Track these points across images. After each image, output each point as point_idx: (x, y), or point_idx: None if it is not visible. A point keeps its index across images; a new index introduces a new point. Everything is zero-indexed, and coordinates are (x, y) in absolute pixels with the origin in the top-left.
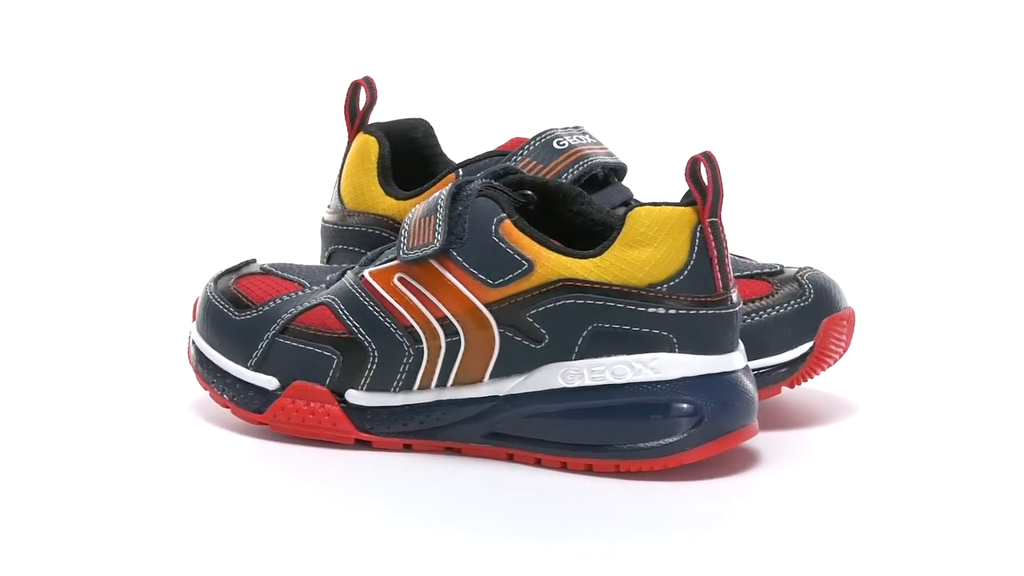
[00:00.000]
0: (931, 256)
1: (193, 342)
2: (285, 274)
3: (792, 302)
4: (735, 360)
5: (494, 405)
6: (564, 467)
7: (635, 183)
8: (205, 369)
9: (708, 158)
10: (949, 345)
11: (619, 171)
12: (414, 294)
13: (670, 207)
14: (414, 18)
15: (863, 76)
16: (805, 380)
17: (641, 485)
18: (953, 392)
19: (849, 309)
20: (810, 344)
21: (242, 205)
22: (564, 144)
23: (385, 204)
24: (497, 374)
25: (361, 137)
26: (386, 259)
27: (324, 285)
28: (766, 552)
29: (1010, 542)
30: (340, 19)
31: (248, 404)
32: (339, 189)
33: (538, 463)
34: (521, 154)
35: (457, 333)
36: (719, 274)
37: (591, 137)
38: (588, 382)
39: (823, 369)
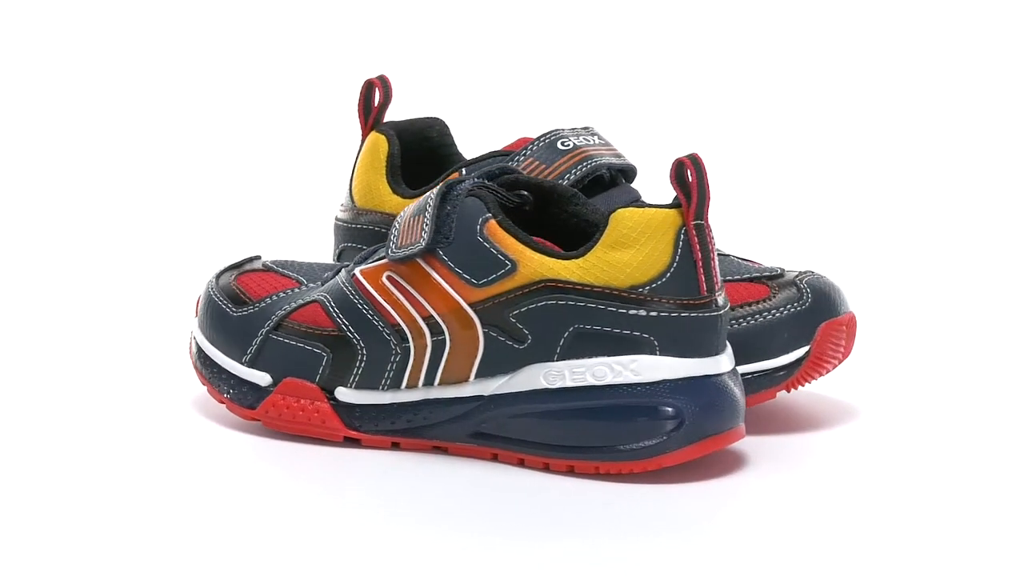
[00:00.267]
0: (944, 262)
1: (194, 338)
2: (285, 271)
3: (789, 306)
4: (720, 363)
5: (479, 405)
6: (546, 468)
7: (650, 185)
8: (204, 365)
9: (694, 160)
10: (956, 352)
11: (628, 173)
12: (401, 293)
13: (654, 209)
14: (435, 17)
15: (879, 83)
16: (801, 385)
17: (626, 487)
18: (955, 400)
19: (849, 314)
20: (806, 349)
21: (261, 203)
22: (568, 145)
23: (393, 202)
24: (482, 374)
25: (372, 136)
26: (377, 257)
27: (320, 283)
28: (751, 555)
29: (1006, 549)
30: (363, 18)
31: (242, 400)
32: (351, 187)
33: (521, 463)
34: (524, 154)
35: (442, 332)
36: (703, 277)
37: (600, 138)
38: (569, 383)
39: (821, 374)
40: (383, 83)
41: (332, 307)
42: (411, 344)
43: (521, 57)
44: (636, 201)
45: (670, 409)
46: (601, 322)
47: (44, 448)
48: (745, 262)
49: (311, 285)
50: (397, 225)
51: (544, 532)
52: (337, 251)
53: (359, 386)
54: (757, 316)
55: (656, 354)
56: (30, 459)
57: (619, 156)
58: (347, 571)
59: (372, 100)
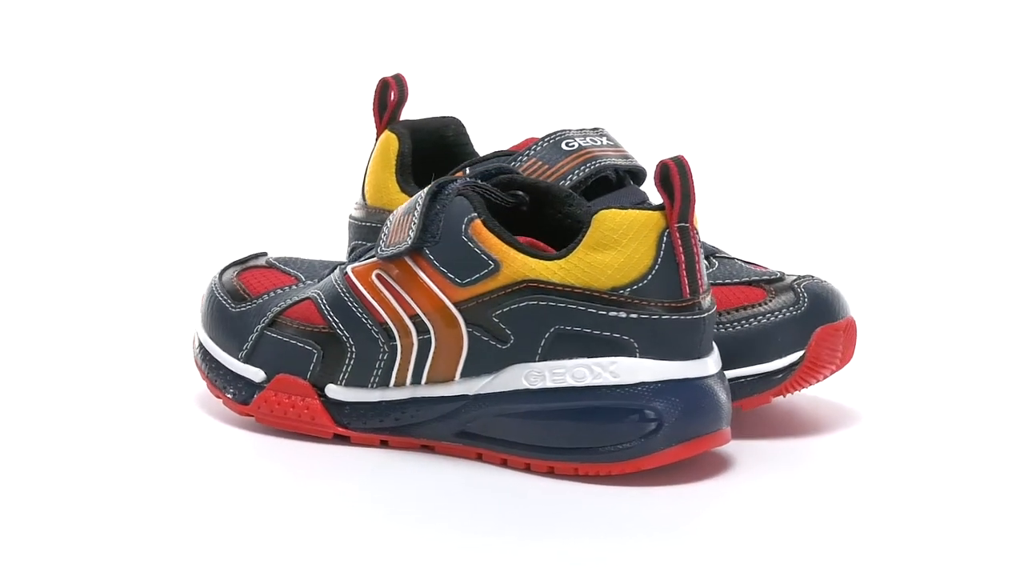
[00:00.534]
0: (956, 269)
1: (197, 334)
2: (286, 268)
3: (785, 310)
4: (703, 366)
5: (464, 404)
6: (528, 468)
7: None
8: (203, 360)
9: (678, 162)
10: (961, 361)
11: (636, 174)
12: (389, 291)
13: (636, 211)
14: (459, 16)
15: (895, 89)
16: (796, 390)
17: (607, 489)
18: (954, 409)
19: (847, 320)
20: (801, 353)
21: (279, 202)
22: (573, 145)
23: (402, 201)
24: (467, 373)
25: (384, 134)
26: (369, 256)
27: (318, 280)
28: (729, 558)
29: (1002, 556)
30: (386, 16)
31: (236, 395)
32: (363, 186)
33: (504, 463)
34: (528, 154)
35: (428, 331)
36: (686, 279)
37: (609, 139)
38: (550, 384)
39: (817, 379)
40: (398, 82)
41: (324, 304)
42: (398, 342)
43: (543, 58)
44: (643, 202)
45: (648, 412)
46: (581, 323)
47: (42, 437)
48: (749, 266)
49: (309, 282)
50: (388, 223)
51: (522, 532)
52: (349, 248)
53: (349, 384)
54: (751, 320)
55: (636, 356)
56: (29, 446)
57: (627, 157)
58: (325, 568)
59: (387, 98)
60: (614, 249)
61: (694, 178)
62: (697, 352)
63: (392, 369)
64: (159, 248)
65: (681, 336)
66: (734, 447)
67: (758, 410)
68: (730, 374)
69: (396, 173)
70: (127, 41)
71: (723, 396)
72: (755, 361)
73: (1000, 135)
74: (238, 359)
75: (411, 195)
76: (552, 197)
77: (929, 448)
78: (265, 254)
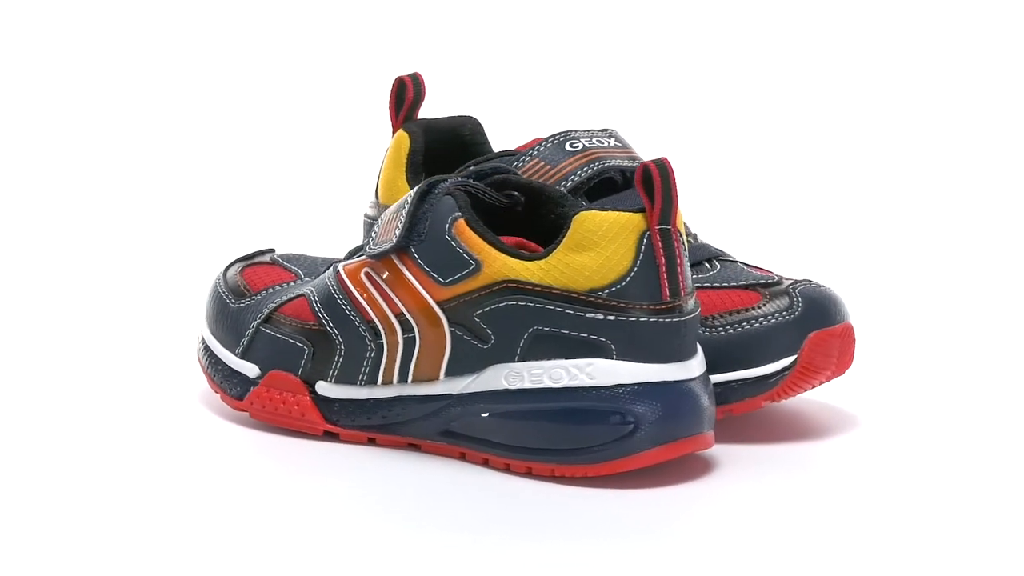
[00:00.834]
0: (969, 277)
1: (202, 330)
2: (288, 265)
3: (779, 314)
4: (682, 369)
5: (448, 403)
6: (508, 469)
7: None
8: (205, 355)
9: (659, 165)
10: (965, 372)
11: None
12: (376, 289)
13: (617, 212)
14: (482, 15)
15: (909, 95)
16: (789, 395)
17: (585, 490)
18: (953, 419)
19: (843, 325)
20: (793, 358)
21: (297, 200)
22: (578, 146)
23: None
24: (451, 372)
25: (397, 133)
26: (360, 254)
27: (315, 277)
28: (710, 561)
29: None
30: (412, 15)
31: (231, 390)
32: (377, 185)
33: (486, 463)
34: (531, 154)
35: (413, 330)
36: (666, 282)
37: (617, 140)
38: (528, 385)
39: (811, 385)
40: (414, 81)
41: (315, 301)
42: (384, 340)
43: (565, 58)
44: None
45: (624, 414)
46: (559, 324)
47: (42, 430)
48: (752, 269)
49: (307, 279)
50: (378, 222)
51: (501, 533)
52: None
53: (338, 381)
54: (744, 323)
55: (613, 358)
56: (28, 437)
57: (635, 159)
58: (305, 565)
59: (404, 97)
60: (592, 250)
61: (677, 181)
62: (678, 355)
63: (379, 367)
64: (177, 245)
65: (660, 339)
66: (721, 451)
67: (750, 415)
68: (721, 378)
69: (407, 172)
70: (147, 40)
71: (705, 400)
72: (747, 365)
73: (1009, 136)
74: (235, 355)
75: None
76: (546, 198)
77: (922, 457)
78: (272, 251)
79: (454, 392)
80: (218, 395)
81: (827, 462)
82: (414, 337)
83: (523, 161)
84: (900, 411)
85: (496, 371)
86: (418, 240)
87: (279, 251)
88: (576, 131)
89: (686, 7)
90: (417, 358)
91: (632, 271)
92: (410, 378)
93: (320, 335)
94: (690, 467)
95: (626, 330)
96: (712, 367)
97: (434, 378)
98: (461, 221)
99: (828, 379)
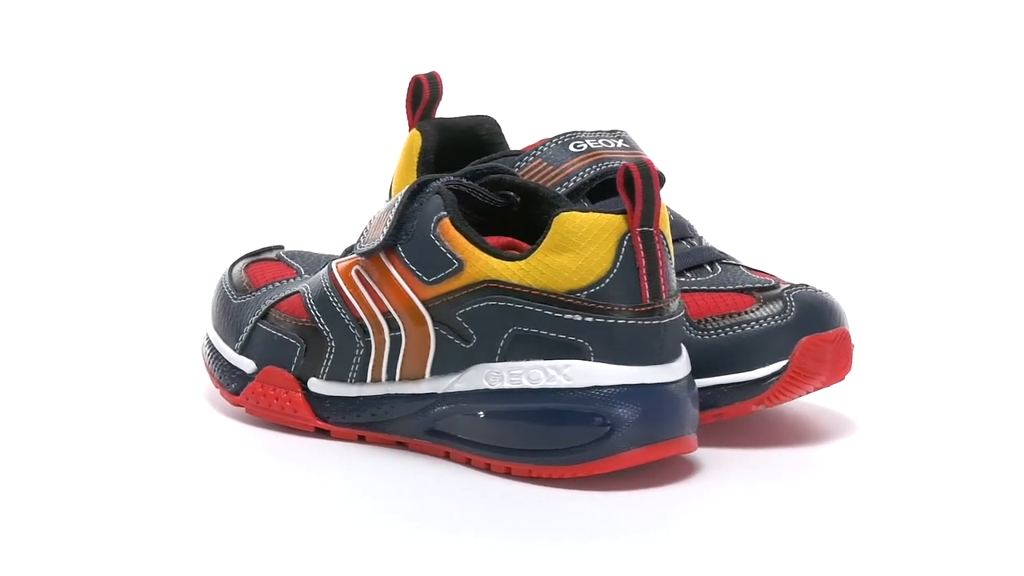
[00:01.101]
0: (982, 286)
1: (206, 325)
2: (291, 261)
3: (772, 319)
4: (662, 372)
5: (433, 402)
6: (488, 468)
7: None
8: (208, 350)
9: (641, 166)
10: (967, 383)
11: None
12: (365, 287)
13: (597, 214)
14: (507, 15)
15: (923, 103)
16: (780, 401)
17: (565, 492)
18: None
19: (838, 331)
20: (783, 363)
21: (316, 199)
22: (582, 147)
23: None
24: (436, 371)
25: (411, 132)
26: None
27: (315, 273)
28: (689, 565)
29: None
30: (439, 15)
31: (229, 385)
32: (390, 183)
33: (468, 463)
34: (534, 155)
35: (399, 328)
36: (646, 284)
37: (626, 142)
38: (507, 385)
39: (803, 391)
40: (431, 80)
41: (308, 298)
42: (372, 339)
43: (588, 60)
44: None
45: (600, 416)
46: (538, 325)
47: (42, 423)
48: (753, 273)
49: (307, 276)
50: (371, 220)
51: (471, 532)
52: None
53: (329, 378)
54: (736, 327)
55: (590, 360)
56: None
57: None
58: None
59: (420, 96)
60: (572, 251)
61: (659, 183)
62: (658, 358)
63: (368, 365)
64: (193, 242)
65: (640, 341)
66: (709, 454)
67: (742, 419)
68: (711, 381)
69: (418, 170)
70: (166, 40)
71: (688, 403)
72: (738, 369)
73: (1016, 141)
74: (234, 350)
75: None
76: (540, 198)
77: (917, 464)
78: (281, 247)
79: (439, 391)
80: (218, 390)
81: (817, 468)
82: (400, 336)
83: (526, 161)
84: (897, 418)
85: (478, 371)
86: (405, 239)
87: (290, 248)
88: (582, 132)
89: (713, 12)
90: (403, 357)
91: (611, 273)
92: (397, 376)
93: (312, 332)
94: (674, 470)
95: (604, 332)
96: (703, 370)
97: (420, 377)
98: (446, 220)
99: (823, 385)
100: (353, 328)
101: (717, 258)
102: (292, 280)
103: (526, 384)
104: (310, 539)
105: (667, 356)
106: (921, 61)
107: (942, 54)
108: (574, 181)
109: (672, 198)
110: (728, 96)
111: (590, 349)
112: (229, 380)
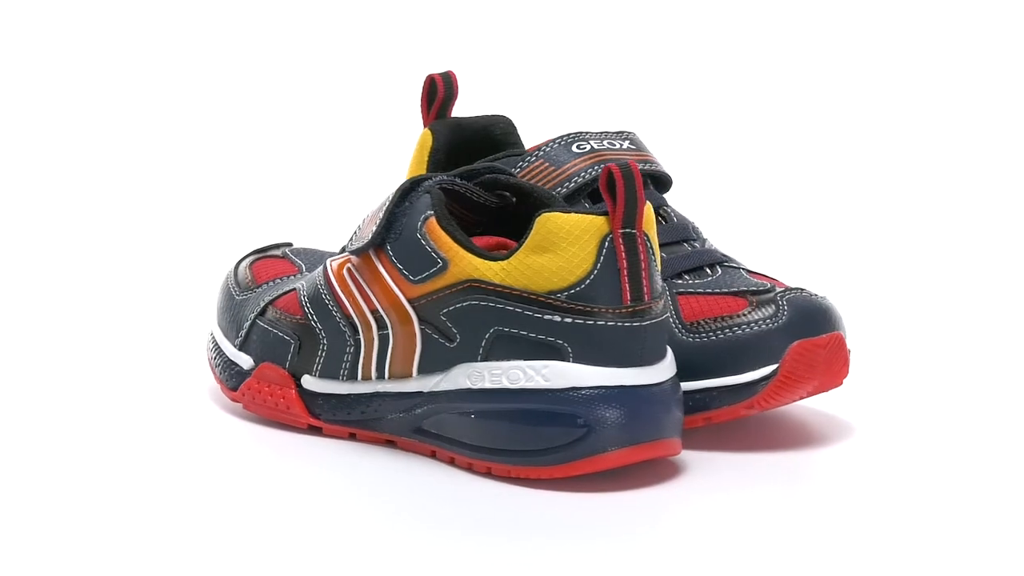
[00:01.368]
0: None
1: (212, 321)
2: (295, 259)
3: (763, 322)
4: (642, 374)
5: (420, 401)
6: (471, 468)
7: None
8: (212, 345)
9: (622, 168)
10: (968, 393)
11: (660, 179)
12: (355, 285)
13: (579, 215)
14: (527, 15)
15: (934, 109)
16: (771, 406)
17: (543, 493)
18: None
19: (831, 336)
20: (773, 367)
21: (334, 198)
22: (586, 147)
23: None
24: (422, 370)
25: (423, 132)
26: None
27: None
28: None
29: None
30: (464, 16)
31: (228, 381)
32: None
33: (452, 462)
34: (536, 155)
35: (387, 326)
36: (627, 286)
37: (633, 143)
38: (488, 385)
39: (794, 396)
40: (445, 79)
41: (303, 295)
42: (361, 336)
43: (609, 61)
44: (659, 208)
45: (576, 417)
46: (518, 325)
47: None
48: (753, 276)
49: (308, 273)
50: (364, 218)
51: (450, 532)
52: None
53: (322, 375)
54: (728, 330)
55: (569, 361)
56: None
57: (646, 163)
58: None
59: (435, 95)
60: (552, 252)
61: (642, 185)
62: (639, 360)
63: (358, 363)
64: (208, 240)
65: (620, 343)
66: (696, 457)
67: (734, 423)
68: (702, 384)
69: (429, 170)
70: (183, 42)
71: (671, 405)
72: (728, 372)
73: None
74: (234, 346)
75: None
76: (534, 199)
77: (904, 472)
78: (289, 244)
79: (425, 390)
80: (219, 385)
81: (808, 473)
82: (388, 334)
83: (528, 161)
84: (892, 425)
85: (461, 370)
86: (394, 237)
87: (299, 245)
88: (588, 132)
89: (734, 19)
90: (391, 355)
91: (592, 274)
92: (386, 374)
93: (306, 329)
94: (659, 473)
95: (583, 333)
96: (694, 373)
97: (408, 375)
98: (432, 220)
99: (816, 391)
100: (344, 326)
101: (718, 261)
102: (293, 277)
103: (506, 384)
104: (284, 535)
105: (650, 358)
106: (934, 69)
107: (951, 65)
108: (575, 182)
109: (681, 200)
110: (748, 101)
111: (569, 350)
112: (228, 376)
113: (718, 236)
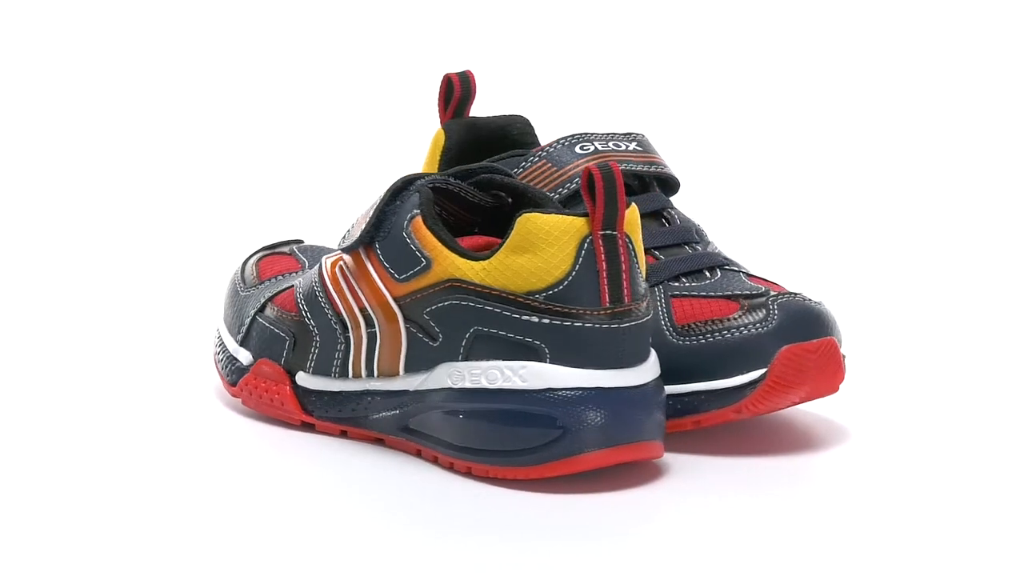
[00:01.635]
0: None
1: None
2: (301, 256)
3: (752, 326)
4: (621, 376)
5: (406, 399)
6: (452, 467)
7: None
8: (217, 340)
9: (603, 169)
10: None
11: (666, 182)
12: (346, 283)
13: (559, 215)
14: (549, 17)
15: (943, 115)
16: (760, 411)
17: (523, 494)
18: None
19: (822, 341)
20: (762, 371)
21: (348, 194)
22: (589, 148)
23: None
24: (409, 369)
25: (436, 131)
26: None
27: None
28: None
29: None
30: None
31: (228, 376)
32: None
33: (435, 461)
34: (539, 155)
35: (374, 324)
36: (606, 288)
37: (639, 145)
38: (468, 384)
39: (784, 402)
40: (462, 78)
41: (299, 292)
42: (351, 334)
43: (625, 66)
44: (662, 209)
45: (552, 418)
46: (497, 326)
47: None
48: (751, 280)
49: (308, 270)
50: (357, 217)
51: (447, 533)
52: None
53: (315, 372)
54: (717, 333)
55: (546, 361)
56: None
57: (652, 164)
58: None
59: (451, 95)
60: (532, 252)
61: (623, 187)
62: (619, 361)
63: (348, 360)
64: (222, 237)
65: (599, 344)
66: (682, 460)
67: (720, 427)
68: (691, 388)
69: (441, 169)
70: (198, 40)
71: (650, 408)
72: (717, 376)
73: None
74: (236, 341)
75: None
76: (529, 200)
77: (895, 477)
78: (300, 241)
79: (411, 389)
80: (221, 381)
81: (795, 477)
82: (376, 332)
83: (530, 162)
84: (886, 430)
85: (444, 369)
86: (383, 236)
87: (309, 243)
88: (593, 133)
89: (751, 25)
90: (379, 353)
91: (571, 275)
92: (375, 372)
93: (301, 326)
94: (641, 475)
95: (560, 334)
96: (684, 376)
97: (395, 374)
98: (418, 219)
99: (808, 397)
100: (335, 323)
101: (719, 264)
102: (295, 274)
103: (485, 384)
104: (274, 532)
105: (630, 360)
106: (945, 78)
107: (959, 71)
108: (576, 183)
109: (688, 203)
110: (762, 106)
111: (546, 351)
112: (229, 371)
113: (729, 239)
